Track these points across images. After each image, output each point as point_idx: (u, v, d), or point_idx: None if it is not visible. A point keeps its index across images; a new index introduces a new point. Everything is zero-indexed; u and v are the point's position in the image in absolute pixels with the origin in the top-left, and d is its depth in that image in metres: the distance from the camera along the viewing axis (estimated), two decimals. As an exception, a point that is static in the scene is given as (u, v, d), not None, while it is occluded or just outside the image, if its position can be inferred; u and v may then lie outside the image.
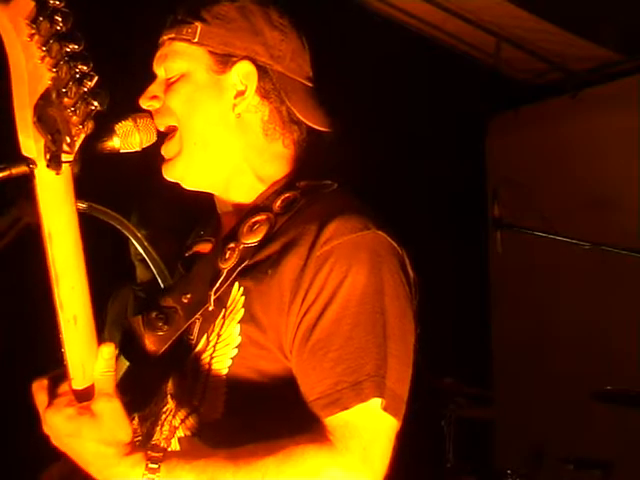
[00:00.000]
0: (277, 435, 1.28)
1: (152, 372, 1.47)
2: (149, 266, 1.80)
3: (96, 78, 1.05)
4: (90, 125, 1.08)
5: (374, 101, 4.47)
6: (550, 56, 4.94)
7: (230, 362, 1.40)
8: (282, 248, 1.40)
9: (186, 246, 1.69)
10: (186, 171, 1.53)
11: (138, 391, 1.35)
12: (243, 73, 1.51)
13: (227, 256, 1.47)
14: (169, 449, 1.43)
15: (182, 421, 1.44)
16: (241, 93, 1.51)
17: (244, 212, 1.52)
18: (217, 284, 1.45)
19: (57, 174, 1.10)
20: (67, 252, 1.17)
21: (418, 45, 4.66)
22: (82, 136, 1.10)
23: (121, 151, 1.46)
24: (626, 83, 4.90)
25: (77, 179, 1.44)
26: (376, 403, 1.30)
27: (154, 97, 1.54)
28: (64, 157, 1.08)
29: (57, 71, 1.03)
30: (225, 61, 1.51)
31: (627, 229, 4.51)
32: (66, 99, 1.04)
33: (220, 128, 1.52)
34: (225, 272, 1.46)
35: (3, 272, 2.80)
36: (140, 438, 1.47)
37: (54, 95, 1.04)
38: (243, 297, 1.41)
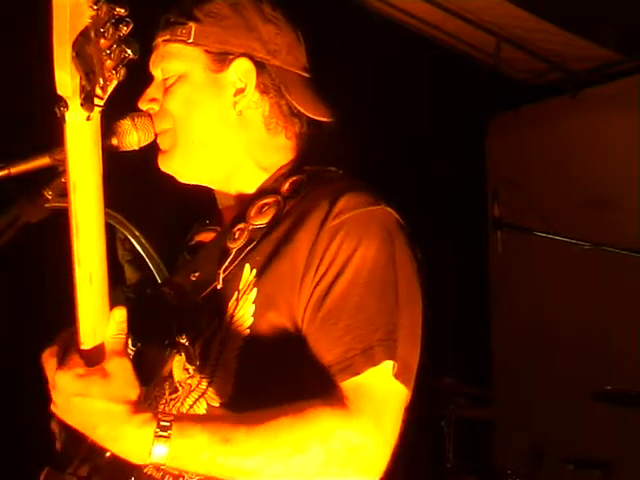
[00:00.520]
0: (269, 418, 1.27)
1: (155, 354, 1.46)
2: (138, 267, 1.80)
3: (132, 25, 1.05)
4: (122, 72, 1.08)
5: (374, 101, 4.47)
6: (550, 56, 4.94)
7: (242, 343, 1.39)
8: (292, 226, 1.42)
9: (189, 236, 1.69)
10: (182, 166, 1.54)
11: (138, 373, 1.33)
12: (241, 70, 1.51)
13: (236, 236, 1.48)
14: None
15: (191, 406, 1.44)
16: (241, 90, 1.52)
17: (249, 199, 1.52)
18: (226, 263, 1.46)
19: (88, 118, 1.09)
20: (90, 205, 1.15)
21: (418, 45, 4.66)
22: (114, 82, 1.09)
23: (119, 150, 1.46)
24: (626, 83, 4.90)
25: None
26: (388, 366, 1.30)
27: (153, 100, 1.54)
28: (96, 101, 1.08)
29: (97, 10, 1.02)
30: (222, 59, 1.51)
31: (627, 229, 4.51)
32: (103, 40, 1.04)
33: (221, 126, 1.52)
34: (234, 252, 1.47)
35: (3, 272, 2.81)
36: None
37: (92, 34, 1.03)
38: (255, 278, 1.42)
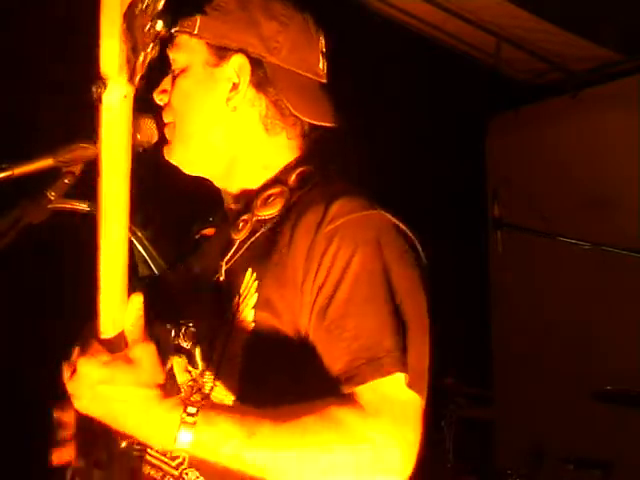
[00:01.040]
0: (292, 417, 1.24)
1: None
2: (150, 267, 1.80)
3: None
4: (156, 49, 1.07)
5: (374, 101, 4.47)
6: (550, 56, 4.94)
7: (244, 346, 1.38)
8: (293, 227, 1.39)
9: (194, 231, 1.69)
10: (182, 158, 1.55)
11: None
12: (237, 66, 1.49)
13: (240, 227, 1.47)
14: None
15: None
16: (235, 86, 1.50)
17: (254, 193, 1.51)
18: (228, 254, 1.47)
19: (125, 96, 1.08)
20: (118, 190, 1.14)
21: (418, 45, 4.66)
22: (148, 57, 1.08)
23: (145, 146, 1.47)
24: (626, 83, 4.90)
25: (79, 180, 1.45)
26: (400, 378, 1.27)
27: (163, 91, 1.55)
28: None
29: None
30: (221, 54, 1.50)
31: (627, 229, 4.52)
32: (145, 16, 1.04)
33: (215, 122, 1.51)
34: (237, 243, 1.47)
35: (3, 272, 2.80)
36: None
37: (139, 8, 1.03)
38: (256, 282, 1.40)
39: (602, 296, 4.75)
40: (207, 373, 1.42)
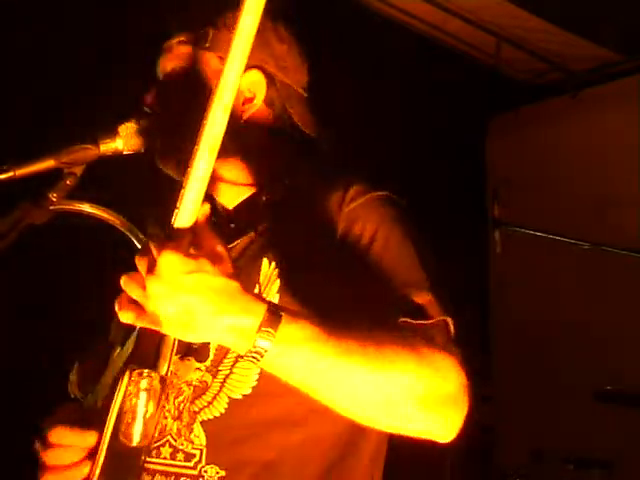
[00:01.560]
0: (311, 401, 1.23)
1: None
2: None
3: None
4: None
5: (374, 101, 4.47)
6: (550, 56, 4.94)
7: None
8: (309, 213, 1.48)
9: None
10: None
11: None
12: (252, 81, 1.55)
13: (265, 210, 1.52)
14: (191, 435, 1.42)
15: (209, 403, 1.42)
16: (249, 100, 1.56)
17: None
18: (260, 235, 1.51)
19: None
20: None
21: (418, 45, 4.66)
22: None
23: (124, 153, 1.47)
24: (626, 83, 4.89)
25: (80, 181, 1.45)
26: (442, 321, 1.39)
27: (155, 97, 1.56)
28: None
29: None
30: None
31: (627, 229, 4.52)
32: None
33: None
34: (240, 250, 1.50)
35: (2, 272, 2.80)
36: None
37: None
38: (276, 269, 1.45)
39: (602, 296, 4.75)
40: (225, 361, 1.42)
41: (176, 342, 1.26)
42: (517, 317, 5.20)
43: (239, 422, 1.41)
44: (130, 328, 1.29)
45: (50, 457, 1.33)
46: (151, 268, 1.12)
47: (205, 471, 1.38)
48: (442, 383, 1.25)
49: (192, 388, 1.45)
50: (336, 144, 1.66)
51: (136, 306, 1.18)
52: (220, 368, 1.43)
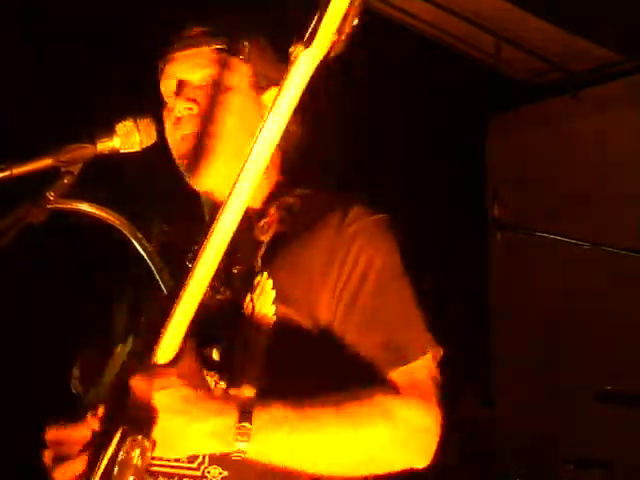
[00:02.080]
0: (319, 408, 1.33)
1: None
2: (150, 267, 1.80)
3: None
4: (356, 23, 1.11)
5: (373, 101, 4.47)
6: (550, 56, 4.94)
7: (266, 343, 1.44)
8: (309, 230, 1.52)
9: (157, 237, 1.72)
10: (208, 171, 1.60)
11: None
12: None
13: (265, 227, 1.56)
14: None
15: None
16: None
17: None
18: (262, 251, 1.53)
19: (321, 57, 1.13)
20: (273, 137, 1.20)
21: (418, 45, 4.66)
22: (349, 33, 1.12)
23: (121, 151, 1.47)
24: (626, 83, 4.89)
25: (77, 180, 1.45)
26: (429, 356, 1.44)
27: (192, 100, 1.59)
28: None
29: None
30: (264, 83, 1.63)
31: (627, 229, 4.51)
32: None
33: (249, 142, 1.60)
34: (267, 242, 1.54)
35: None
36: None
37: None
38: (271, 280, 1.49)
39: (602, 296, 4.74)
40: (229, 375, 1.47)
41: None
42: (517, 317, 5.20)
43: None
44: (131, 326, 1.31)
45: (48, 456, 1.40)
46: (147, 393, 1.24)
47: (208, 472, 1.41)
48: (410, 436, 1.38)
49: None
50: (336, 149, 1.70)
51: None
52: (226, 381, 1.46)
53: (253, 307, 1.46)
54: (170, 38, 1.67)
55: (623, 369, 4.31)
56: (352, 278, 1.45)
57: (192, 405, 1.23)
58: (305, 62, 1.12)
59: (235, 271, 1.53)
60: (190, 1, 2.41)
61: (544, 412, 4.75)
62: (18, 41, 3.31)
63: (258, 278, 1.48)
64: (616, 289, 4.68)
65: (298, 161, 1.68)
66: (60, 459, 1.39)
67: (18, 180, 1.40)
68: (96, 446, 1.35)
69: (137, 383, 1.24)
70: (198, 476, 1.41)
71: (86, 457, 1.37)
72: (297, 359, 1.41)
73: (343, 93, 4.10)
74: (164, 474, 1.44)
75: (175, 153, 1.63)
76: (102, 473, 1.29)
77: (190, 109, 1.58)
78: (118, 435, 1.27)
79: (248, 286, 1.49)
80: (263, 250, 1.53)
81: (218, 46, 1.60)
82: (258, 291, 1.47)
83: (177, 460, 1.43)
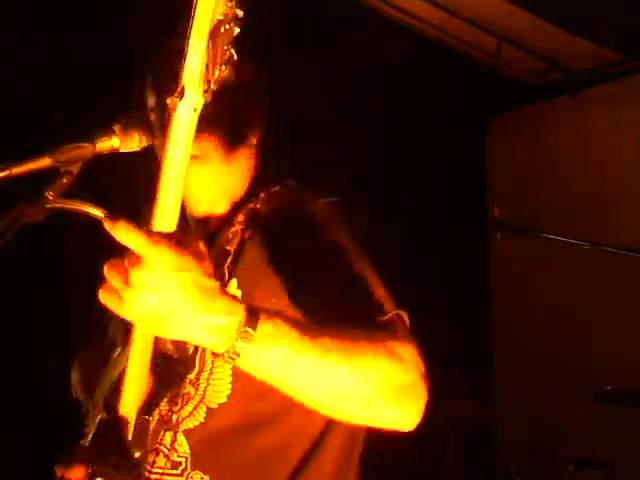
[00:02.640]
0: (289, 405, 1.28)
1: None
2: None
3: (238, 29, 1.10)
4: (226, 71, 1.10)
5: (373, 101, 4.47)
6: (550, 56, 4.94)
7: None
8: (272, 235, 1.55)
9: None
10: (217, 198, 1.66)
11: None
12: None
13: (230, 237, 1.58)
14: (176, 444, 1.49)
15: (190, 413, 1.49)
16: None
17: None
18: (228, 261, 1.55)
19: (201, 103, 1.11)
20: (176, 187, 1.16)
21: (418, 45, 4.66)
22: (221, 76, 1.10)
23: (120, 151, 1.47)
24: (626, 83, 4.89)
25: (76, 179, 1.45)
26: (401, 314, 1.43)
27: None
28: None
29: (230, 7, 1.06)
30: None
31: (627, 229, 4.51)
32: (226, 36, 1.08)
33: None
34: (232, 251, 1.56)
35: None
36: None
37: (222, 29, 1.07)
38: (240, 291, 1.51)
39: (602, 296, 4.75)
40: (203, 373, 1.49)
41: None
42: (517, 317, 5.20)
43: (218, 429, 1.49)
44: (128, 329, 1.31)
45: None
46: (138, 258, 1.12)
47: (191, 477, 1.46)
48: (406, 374, 1.29)
49: (181, 399, 1.52)
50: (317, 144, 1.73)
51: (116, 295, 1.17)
52: (201, 380, 1.50)
53: None
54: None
55: (623, 369, 4.31)
56: (303, 258, 1.46)
57: (207, 297, 1.14)
58: (184, 111, 1.10)
59: None
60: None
61: (544, 412, 4.76)
62: (18, 41, 3.31)
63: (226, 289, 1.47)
64: (616, 289, 4.68)
65: (271, 157, 1.72)
66: None
67: (16, 180, 1.40)
68: None
69: (156, 247, 1.12)
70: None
71: None
72: None
73: (343, 93, 4.11)
74: None
75: None
76: None
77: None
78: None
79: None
80: (229, 260, 1.55)
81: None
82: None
83: (160, 467, 1.48)
